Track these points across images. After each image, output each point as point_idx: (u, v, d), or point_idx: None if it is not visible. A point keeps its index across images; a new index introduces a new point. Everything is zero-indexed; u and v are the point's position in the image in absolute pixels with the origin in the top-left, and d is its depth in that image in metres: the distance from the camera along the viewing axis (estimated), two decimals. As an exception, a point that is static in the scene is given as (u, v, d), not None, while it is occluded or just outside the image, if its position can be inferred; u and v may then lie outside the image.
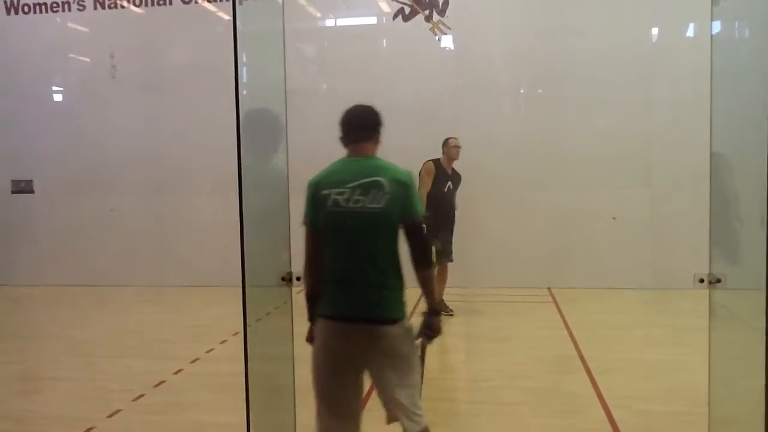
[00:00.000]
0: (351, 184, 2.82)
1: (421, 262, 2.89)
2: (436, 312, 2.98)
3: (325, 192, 2.85)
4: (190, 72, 9.58)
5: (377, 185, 2.81)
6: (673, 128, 8.38)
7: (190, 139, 9.58)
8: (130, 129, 9.77)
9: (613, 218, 8.91)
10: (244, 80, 3.29)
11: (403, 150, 7.96)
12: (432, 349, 6.78)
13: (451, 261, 7.62)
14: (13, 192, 10.23)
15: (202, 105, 9.16)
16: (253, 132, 3.31)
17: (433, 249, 7.19)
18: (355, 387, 2.94)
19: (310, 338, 2.99)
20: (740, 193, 2.74)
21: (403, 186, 2.84)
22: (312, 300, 2.96)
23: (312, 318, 2.97)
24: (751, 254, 2.63)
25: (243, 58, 3.21)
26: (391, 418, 2.92)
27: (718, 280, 2.69)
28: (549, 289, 8.82)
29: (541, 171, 8.98)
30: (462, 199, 7.87)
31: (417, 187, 2.94)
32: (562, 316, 7.39)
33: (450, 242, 7.58)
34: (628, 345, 6.27)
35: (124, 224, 9.89)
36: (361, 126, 2.96)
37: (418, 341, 2.98)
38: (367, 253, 2.82)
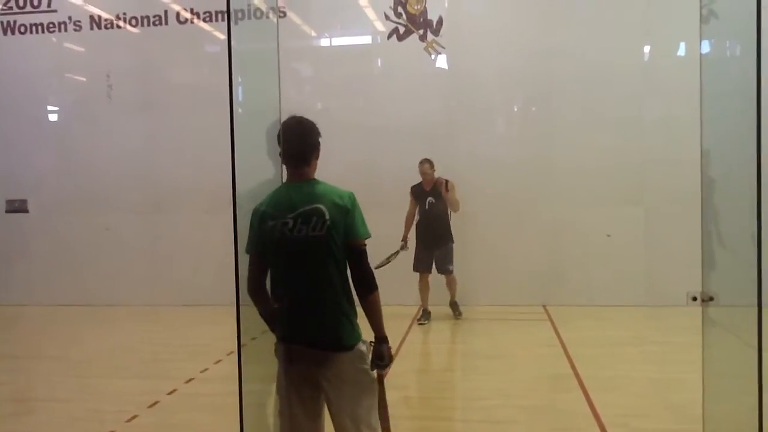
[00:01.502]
0: (293, 214, 2.83)
1: (363, 287, 2.87)
2: (383, 339, 2.92)
3: (270, 223, 2.86)
4: (186, 91, 9.63)
5: (317, 212, 2.82)
6: (666, 146, 8.43)
7: (185, 159, 9.60)
8: (126, 148, 9.78)
9: (608, 236, 8.93)
10: (240, 99, 3.31)
11: (398, 168, 8.13)
12: (427, 367, 6.81)
13: (449, 273, 8.14)
14: (7, 211, 10.21)
15: (198, 124, 9.20)
16: (254, 149, 3.33)
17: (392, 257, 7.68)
18: (313, 409, 2.95)
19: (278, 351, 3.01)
20: (730, 210, 2.76)
21: (342, 210, 2.83)
22: (268, 318, 2.98)
23: (273, 330, 3.00)
24: (743, 271, 2.65)
25: (238, 77, 3.23)
26: None
27: (711, 299, 2.71)
28: (544, 306, 8.82)
29: (535, 189, 9.02)
30: (456, 216, 8.05)
31: (360, 210, 2.89)
32: (558, 334, 7.39)
33: (446, 252, 8.10)
34: (624, 362, 6.26)
35: (119, 243, 9.87)
36: (299, 151, 2.93)
37: (374, 372, 2.93)
38: (314, 281, 2.84)
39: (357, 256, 2.87)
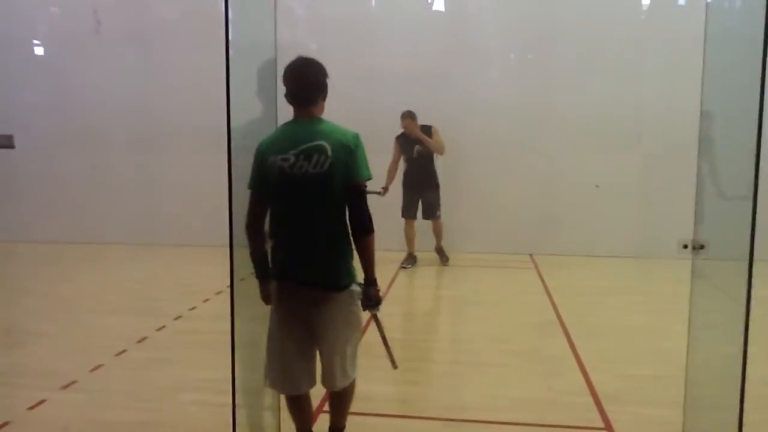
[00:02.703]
0: (294, 150, 2.81)
1: (359, 229, 2.86)
2: (372, 282, 2.95)
3: (271, 159, 2.84)
4: (178, 27, 9.41)
5: (320, 149, 2.79)
6: (665, 95, 8.37)
7: (178, 94, 9.42)
8: (117, 83, 9.59)
9: (597, 186, 8.94)
10: (234, 37, 3.22)
11: (393, 109, 8.02)
12: (414, 311, 6.89)
13: (437, 218, 8.21)
14: (-8, 147, 10.05)
15: (191, 59, 9.02)
16: (248, 88, 3.27)
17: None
18: (305, 348, 3.01)
19: (264, 296, 3.05)
20: (728, 162, 2.75)
21: (346, 149, 2.80)
22: (256, 259, 2.99)
23: (258, 276, 3.03)
24: (735, 224, 2.66)
25: (231, 13, 3.13)
26: (325, 383, 3.05)
27: (702, 246, 2.72)
28: (531, 255, 8.89)
29: (528, 136, 8.98)
30: (447, 160, 8.02)
31: (364, 151, 2.87)
32: (544, 282, 7.47)
33: (433, 198, 8.17)
34: (609, 311, 6.37)
35: (110, 181, 9.80)
36: (305, 89, 2.89)
37: (366, 312, 3.01)
38: (312, 219, 2.84)
39: (357, 196, 2.85)
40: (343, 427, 3.24)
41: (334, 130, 2.86)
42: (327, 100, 2.97)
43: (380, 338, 3.14)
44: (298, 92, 2.89)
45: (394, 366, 3.16)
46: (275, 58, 3.45)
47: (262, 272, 3.01)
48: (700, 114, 2.75)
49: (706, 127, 2.81)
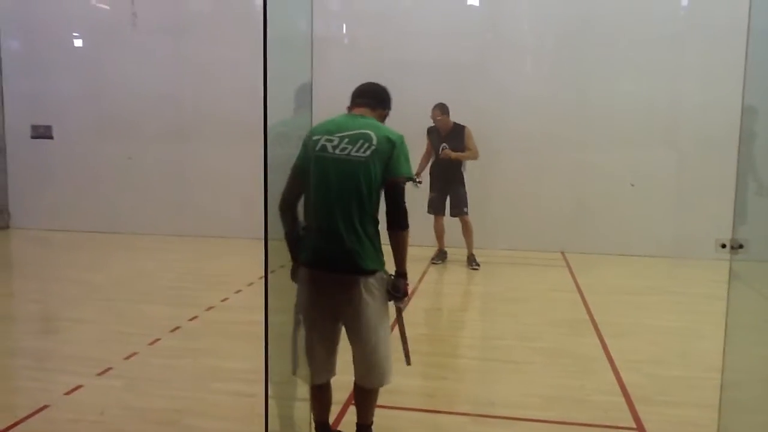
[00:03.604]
0: (341, 134, 2.92)
1: (394, 224, 2.92)
2: (402, 274, 2.99)
3: (316, 137, 2.95)
4: (213, 17, 9.50)
5: (365, 137, 2.90)
6: (702, 91, 8.22)
7: (212, 86, 9.51)
8: (152, 75, 9.71)
9: (632, 185, 8.81)
10: (270, 30, 3.24)
11: (425, 103, 7.99)
12: (443, 306, 6.88)
13: (465, 214, 8.02)
14: (32, 137, 10.26)
15: (226, 51, 9.11)
16: (282, 80, 3.29)
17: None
18: (331, 338, 3.04)
19: (294, 276, 3.08)
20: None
21: (390, 144, 2.90)
22: (290, 239, 3.03)
23: (293, 257, 3.06)
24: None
25: (268, 6, 3.15)
26: (358, 378, 3.08)
27: (741, 246, 2.66)
28: (563, 253, 8.81)
29: (562, 132, 8.85)
30: (480, 156, 7.95)
31: (407, 151, 2.99)
32: (575, 280, 7.40)
33: (460, 194, 8.00)
34: (642, 311, 6.28)
35: (144, 171, 9.92)
36: (365, 93, 3.13)
37: (391, 303, 3.04)
38: (346, 202, 2.86)
39: (395, 192, 2.92)
40: (371, 423, 3.24)
41: (382, 126, 3.00)
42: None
43: (399, 332, 3.15)
44: (361, 94, 3.12)
45: (408, 362, 3.18)
46: (311, 51, 3.47)
47: (295, 253, 3.04)
48: (743, 108, 2.69)
49: (749, 121, 2.75)
